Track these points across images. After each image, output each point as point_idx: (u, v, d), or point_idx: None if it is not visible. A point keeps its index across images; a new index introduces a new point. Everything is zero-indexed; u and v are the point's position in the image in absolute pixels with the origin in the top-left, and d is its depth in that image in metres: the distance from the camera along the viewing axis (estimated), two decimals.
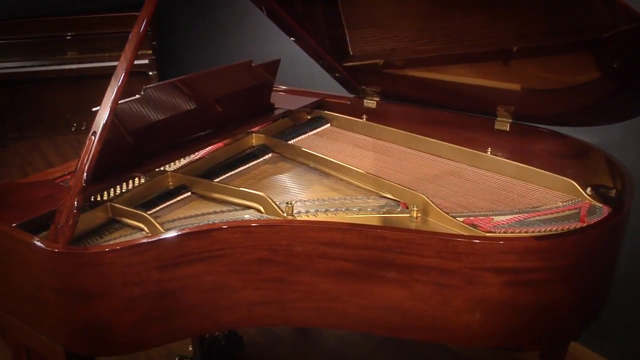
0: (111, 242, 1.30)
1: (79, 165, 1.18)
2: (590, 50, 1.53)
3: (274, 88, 2.26)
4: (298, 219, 1.40)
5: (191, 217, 1.47)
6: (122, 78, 1.20)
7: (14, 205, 1.33)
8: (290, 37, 1.98)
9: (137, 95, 1.46)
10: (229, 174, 1.72)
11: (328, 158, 1.71)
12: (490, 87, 1.80)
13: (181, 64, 5.19)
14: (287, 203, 1.43)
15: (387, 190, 1.55)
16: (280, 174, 1.75)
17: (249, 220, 1.28)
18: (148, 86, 1.49)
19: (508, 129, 1.82)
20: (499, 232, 1.33)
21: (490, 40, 1.69)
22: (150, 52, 4.83)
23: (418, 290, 1.16)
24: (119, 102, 1.44)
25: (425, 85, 1.96)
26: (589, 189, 1.56)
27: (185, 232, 1.17)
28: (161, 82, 1.54)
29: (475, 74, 1.82)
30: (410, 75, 1.99)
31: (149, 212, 1.47)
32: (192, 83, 1.66)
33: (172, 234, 1.17)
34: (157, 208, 1.50)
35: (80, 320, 1.17)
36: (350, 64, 2.09)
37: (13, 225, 1.21)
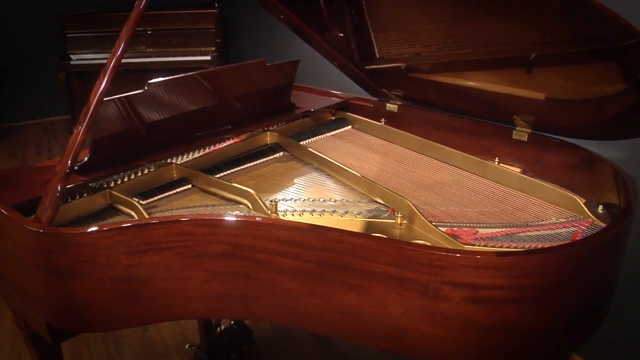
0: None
1: (65, 153, 1.25)
2: (614, 60, 1.44)
3: (308, 88, 2.29)
4: (280, 217, 1.43)
5: (184, 208, 1.52)
6: (109, 72, 1.27)
7: (19, 187, 1.43)
8: (302, 38, 2.00)
9: (140, 90, 1.53)
10: (234, 169, 1.76)
11: (330, 159, 1.71)
12: (513, 95, 1.74)
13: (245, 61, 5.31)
14: (271, 201, 1.45)
15: (378, 195, 1.53)
16: (286, 172, 1.77)
17: (214, 215, 1.31)
18: (152, 81, 1.56)
19: (526, 139, 1.75)
20: (479, 245, 1.29)
21: (512, 46, 1.64)
22: (213, 49, 5.00)
23: (376, 297, 1.14)
24: (132, 93, 1.54)
25: (447, 90, 1.92)
26: (600, 207, 1.47)
27: (151, 220, 1.22)
28: (167, 78, 1.60)
29: (499, 81, 1.77)
30: (433, 80, 1.96)
31: (145, 201, 1.54)
32: (202, 79, 1.72)
33: (139, 221, 1.23)
34: (155, 198, 1.57)
35: (56, 296, 1.25)
36: (373, 66, 2.09)
37: (10, 204, 1.31)
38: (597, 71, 1.52)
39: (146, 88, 1.55)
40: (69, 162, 1.25)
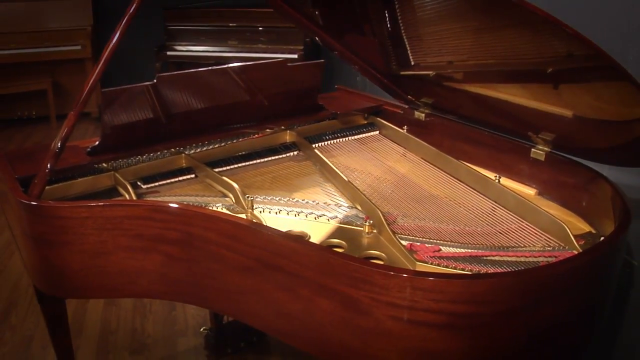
0: None
1: (58, 135, 1.39)
2: None
3: (349, 91, 2.31)
4: (256, 214, 1.46)
5: (180, 196, 1.61)
6: (102, 63, 1.38)
7: (34, 162, 1.59)
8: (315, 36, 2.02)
9: (148, 82, 1.63)
10: (242, 164, 1.82)
11: (328, 162, 1.72)
12: (540, 111, 1.65)
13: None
14: (247, 197, 1.49)
15: (358, 202, 1.52)
16: (293, 171, 1.80)
17: (169, 202, 1.36)
18: (162, 74, 1.66)
19: (544, 159, 1.65)
20: (432, 263, 1.24)
21: (537, 58, 1.55)
22: (301, 47, 5.12)
23: (304, 301, 1.14)
24: (142, 84, 1.65)
25: (474, 101, 1.85)
26: (602, 239, 1.35)
27: (114, 202, 1.31)
28: (178, 72, 1.70)
29: (526, 95, 1.68)
30: (461, 89, 1.89)
31: (146, 186, 1.65)
32: (218, 75, 1.80)
33: (104, 201, 1.33)
34: (156, 183, 1.67)
35: (37, 261, 1.39)
36: (403, 73, 2.06)
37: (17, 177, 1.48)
38: (628, 91, 1.40)
39: (155, 81, 1.65)
40: (59, 143, 1.38)
